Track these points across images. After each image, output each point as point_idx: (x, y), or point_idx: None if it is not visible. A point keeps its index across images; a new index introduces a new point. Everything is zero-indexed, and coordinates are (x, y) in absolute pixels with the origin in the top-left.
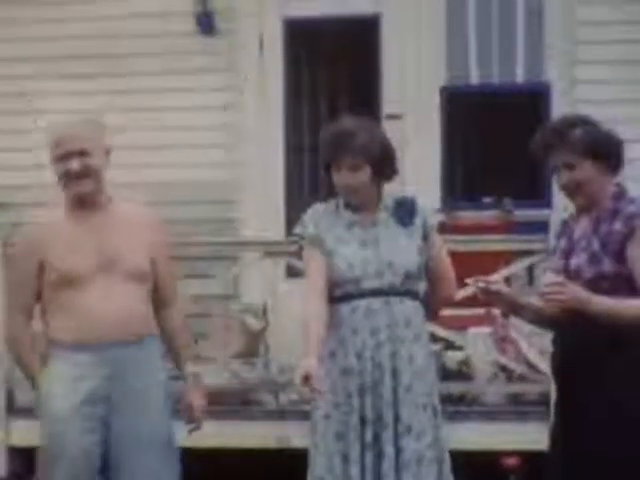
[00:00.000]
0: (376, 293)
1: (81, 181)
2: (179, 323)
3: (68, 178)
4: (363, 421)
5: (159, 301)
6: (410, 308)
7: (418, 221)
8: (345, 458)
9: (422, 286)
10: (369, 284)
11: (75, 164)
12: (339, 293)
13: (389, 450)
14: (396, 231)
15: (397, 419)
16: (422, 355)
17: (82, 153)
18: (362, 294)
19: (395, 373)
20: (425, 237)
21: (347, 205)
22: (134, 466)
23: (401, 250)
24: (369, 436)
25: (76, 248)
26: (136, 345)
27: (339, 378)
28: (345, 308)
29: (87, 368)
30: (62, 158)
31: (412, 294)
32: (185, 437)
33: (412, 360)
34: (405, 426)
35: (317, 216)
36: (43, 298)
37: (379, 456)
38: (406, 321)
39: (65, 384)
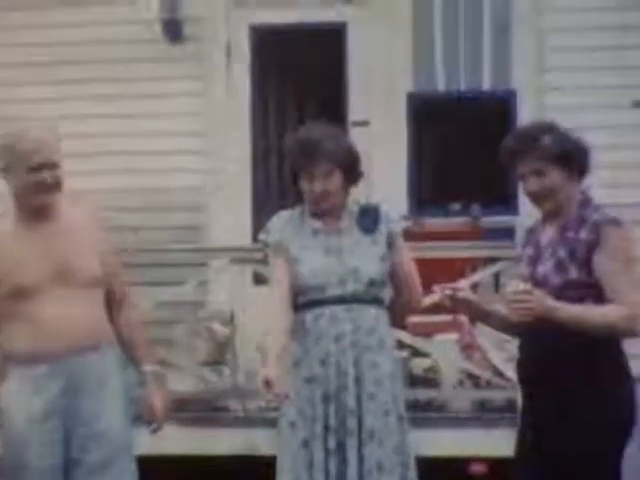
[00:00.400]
0: (340, 300)
1: (52, 193)
2: (133, 323)
3: (39, 189)
4: (327, 429)
5: (112, 305)
6: (374, 315)
7: (382, 228)
8: (310, 465)
9: (387, 293)
10: (333, 292)
11: (49, 176)
12: (303, 300)
13: (352, 457)
14: (360, 238)
15: (361, 426)
16: (386, 362)
17: (54, 165)
18: (326, 302)
19: (359, 380)
20: (389, 244)
21: (312, 213)
22: (95, 476)
23: (365, 257)
24: (332, 443)
25: (28, 259)
26: (94, 353)
27: (303, 386)
28: (309, 315)
29: (44, 381)
30: (36, 168)
31: (376, 301)
32: (148, 442)
33: (376, 367)
34: (368, 433)
35: (281, 223)
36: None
37: (343, 463)
38: (370, 328)
39: (23, 398)
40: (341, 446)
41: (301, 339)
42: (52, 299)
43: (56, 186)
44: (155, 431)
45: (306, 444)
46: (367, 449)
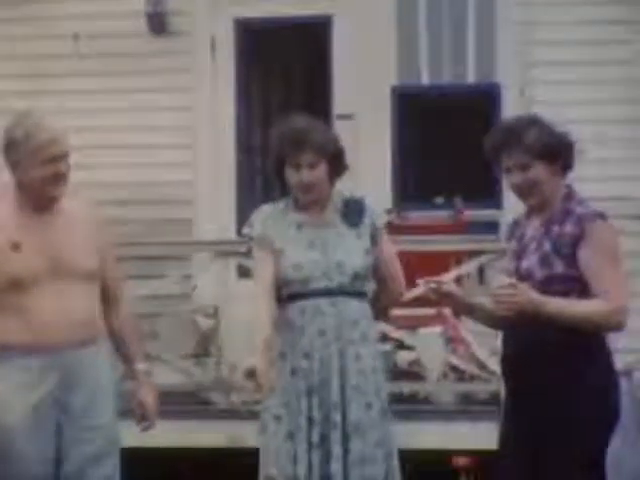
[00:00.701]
0: (324, 293)
1: (63, 185)
2: (127, 321)
3: (56, 180)
4: (310, 421)
5: (107, 300)
6: (357, 308)
7: (366, 222)
8: (294, 458)
9: (370, 287)
10: (317, 285)
11: (64, 167)
12: (287, 293)
13: (337, 450)
14: (344, 232)
15: (344, 419)
16: (369, 355)
17: (68, 155)
18: (310, 294)
19: (342, 373)
20: (373, 238)
21: (296, 205)
22: (87, 470)
23: (349, 251)
24: (316, 436)
25: (26, 250)
26: (90, 346)
27: (288, 379)
28: (293, 308)
29: (38, 373)
30: (53, 160)
31: (360, 295)
32: (132, 435)
33: (359, 359)
34: (353, 426)
35: (265, 216)
36: None
37: (327, 456)
38: (353, 321)
39: (15, 390)
40: (325, 439)
41: (285, 332)
42: (49, 291)
43: (67, 177)
44: (147, 429)
45: (290, 436)
46: (351, 442)
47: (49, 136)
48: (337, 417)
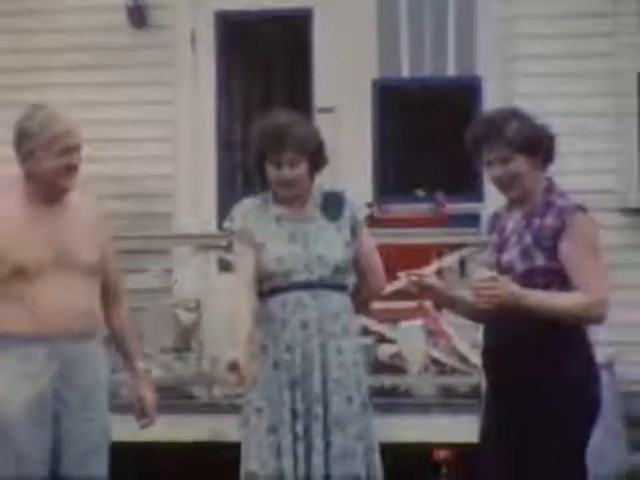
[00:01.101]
0: (305, 286)
1: (73, 177)
2: (126, 317)
3: (70, 172)
4: (294, 414)
5: (108, 296)
6: (338, 302)
7: (346, 215)
8: (278, 451)
9: (350, 280)
10: (298, 277)
11: (77, 159)
12: (269, 287)
13: (318, 443)
14: (325, 225)
15: (326, 412)
16: (350, 348)
17: (80, 148)
18: (291, 287)
19: (324, 366)
20: (353, 231)
21: (276, 199)
22: (84, 464)
23: (330, 244)
24: (300, 428)
25: (31, 240)
26: (90, 340)
27: (270, 372)
28: (275, 301)
29: (39, 362)
30: (67, 151)
31: (341, 288)
32: (115, 431)
33: (340, 353)
34: (334, 420)
35: (245, 210)
36: None
37: (310, 449)
38: (335, 315)
39: (16, 378)
40: (307, 431)
41: (267, 325)
42: (52, 282)
43: (78, 169)
44: (147, 425)
45: (273, 430)
46: (332, 436)
47: (64, 127)
48: (319, 410)
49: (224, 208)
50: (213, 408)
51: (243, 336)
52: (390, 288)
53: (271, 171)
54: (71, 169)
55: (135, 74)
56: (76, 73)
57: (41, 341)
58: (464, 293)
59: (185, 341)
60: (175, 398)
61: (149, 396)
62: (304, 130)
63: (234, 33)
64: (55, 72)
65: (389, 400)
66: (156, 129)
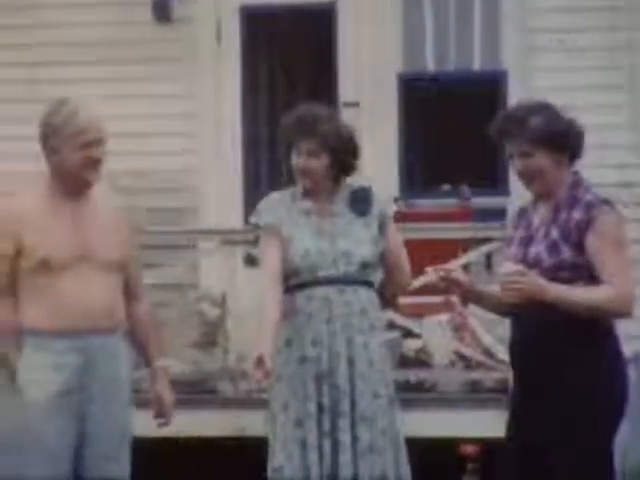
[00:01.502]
0: (332, 282)
1: (97, 170)
2: (146, 317)
3: (91, 165)
4: (320, 408)
5: (129, 293)
6: (365, 297)
7: (374, 211)
8: (303, 446)
9: (377, 276)
10: (325, 273)
11: (100, 153)
12: (295, 282)
13: (346, 439)
14: (352, 221)
15: (353, 407)
16: (377, 344)
17: (102, 142)
18: (318, 283)
19: (351, 361)
20: (381, 227)
21: (303, 194)
22: (104, 457)
23: (357, 240)
24: (326, 424)
25: (56, 236)
26: (111, 335)
27: (296, 366)
28: (301, 296)
29: (64, 356)
30: (90, 144)
31: (367, 284)
32: (139, 424)
33: (367, 348)
34: (361, 415)
35: (272, 205)
36: (17, 284)
37: (336, 445)
38: (362, 310)
39: (42, 372)
40: (334, 427)
41: (292, 319)
42: (75, 277)
43: (101, 163)
44: (164, 425)
45: (299, 424)
46: (359, 430)
47: (86, 121)
48: (346, 406)
49: (250, 203)
50: (238, 403)
51: (268, 331)
52: (416, 283)
53: (293, 158)
54: (94, 162)
55: (160, 68)
56: (102, 67)
57: (65, 335)
58: (491, 287)
59: (211, 336)
60: (200, 393)
61: (167, 396)
62: (332, 125)
63: (259, 26)
64: (81, 66)
65: (415, 395)
66: (181, 123)
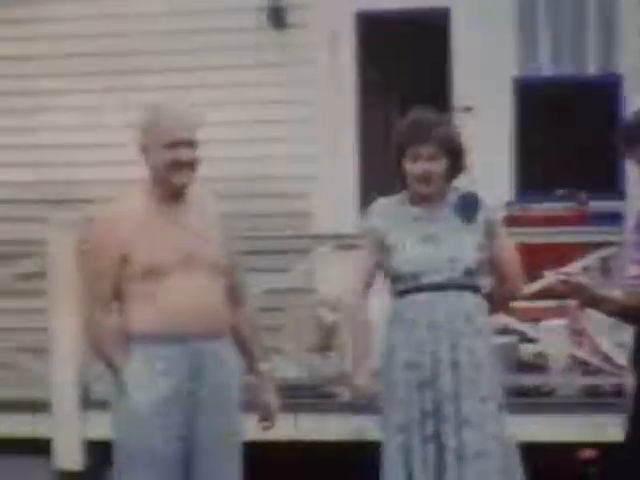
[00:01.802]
0: (435, 288)
1: (187, 173)
2: (250, 321)
3: (174, 167)
4: (423, 414)
5: (232, 298)
6: (470, 303)
7: (481, 217)
8: (407, 450)
9: (483, 281)
10: (429, 279)
11: (186, 154)
12: (400, 288)
13: (451, 443)
14: (458, 227)
15: (458, 412)
16: (483, 349)
17: (192, 143)
18: (422, 288)
19: (456, 366)
20: (488, 233)
21: (412, 199)
22: (214, 462)
23: (462, 246)
24: (430, 429)
25: (160, 240)
26: (218, 340)
27: (400, 371)
28: (405, 302)
29: (171, 362)
30: (174, 145)
31: (472, 289)
32: (255, 429)
33: (473, 353)
34: (466, 419)
35: (381, 209)
36: (123, 291)
37: (440, 449)
38: (466, 316)
39: (148, 378)
40: (438, 432)
41: (397, 326)
42: (180, 282)
43: (190, 166)
44: (268, 428)
45: (403, 430)
46: (465, 435)
47: (173, 121)
48: (450, 410)
49: (365, 207)
50: (354, 407)
51: (360, 354)
52: (533, 287)
53: (408, 166)
54: (179, 164)
55: (275, 74)
56: (216, 73)
57: (171, 340)
58: (613, 292)
59: (327, 341)
60: (317, 397)
61: (272, 400)
62: (448, 129)
63: (373, 32)
64: (195, 73)
65: (532, 400)
66: (296, 129)
